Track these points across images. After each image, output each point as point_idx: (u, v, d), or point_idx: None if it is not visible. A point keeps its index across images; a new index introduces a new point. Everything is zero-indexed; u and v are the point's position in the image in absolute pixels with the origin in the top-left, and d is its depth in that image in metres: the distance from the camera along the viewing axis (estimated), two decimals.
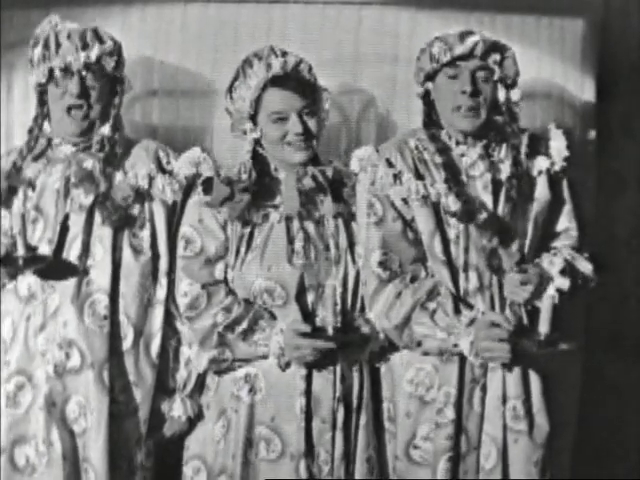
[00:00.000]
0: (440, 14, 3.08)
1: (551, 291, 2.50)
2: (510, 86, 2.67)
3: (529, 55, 3.09)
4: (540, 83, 3.12)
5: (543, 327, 2.45)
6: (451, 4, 3.09)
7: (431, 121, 2.73)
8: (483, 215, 2.60)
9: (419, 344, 2.61)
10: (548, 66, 3.14)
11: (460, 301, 2.61)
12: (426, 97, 2.73)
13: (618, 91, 3.24)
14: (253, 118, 2.66)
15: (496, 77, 2.64)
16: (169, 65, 3.06)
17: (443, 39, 2.64)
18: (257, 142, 2.70)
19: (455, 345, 2.58)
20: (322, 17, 3.07)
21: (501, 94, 2.65)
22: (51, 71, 2.62)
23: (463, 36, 2.63)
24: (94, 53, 2.62)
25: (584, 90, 3.16)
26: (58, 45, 2.61)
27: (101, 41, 2.64)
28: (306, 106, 2.63)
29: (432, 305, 2.60)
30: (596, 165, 3.20)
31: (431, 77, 2.68)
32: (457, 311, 2.60)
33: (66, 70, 2.61)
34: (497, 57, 2.63)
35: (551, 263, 2.63)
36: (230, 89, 2.69)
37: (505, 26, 3.11)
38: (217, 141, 3.03)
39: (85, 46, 2.61)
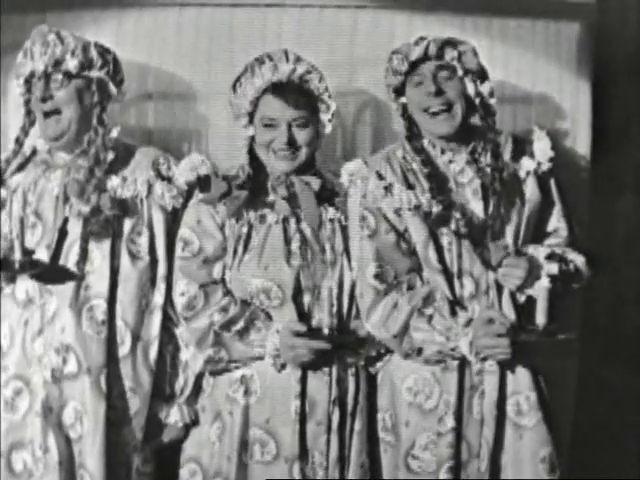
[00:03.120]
0: (435, 17, 3.08)
1: (545, 282, 2.50)
2: (479, 81, 2.68)
3: (525, 59, 3.11)
4: (536, 87, 3.12)
5: (540, 318, 2.46)
6: (446, 7, 3.09)
7: (413, 134, 2.74)
8: (457, 217, 2.61)
9: (419, 352, 2.61)
10: (544, 69, 3.13)
11: (456, 304, 2.62)
12: (405, 112, 2.75)
13: (614, 94, 3.24)
14: (251, 116, 2.69)
15: (460, 74, 2.65)
16: (164, 69, 3.05)
17: (398, 51, 2.69)
18: (253, 140, 2.72)
19: (454, 348, 2.58)
20: (318, 20, 3.07)
21: (470, 89, 2.67)
22: (26, 80, 2.66)
23: (417, 42, 2.66)
24: (54, 55, 2.61)
25: (580, 93, 3.15)
26: (32, 53, 2.63)
27: (62, 42, 2.64)
28: (299, 117, 2.64)
29: (429, 310, 2.60)
30: (592, 168, 3.19)
31: (400, 91, 2.72)
32: (453, 314, 2.60)
33: (33, 76, 2.63)
34: (454, 53, 2.65)
35: (536, 249, 2.64)
36: (236, 82, 2.70)
37: (501, 30, 3.11)
38: (212, 145, 3.03)
39: (46, 50, 2.62)
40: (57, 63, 2.63)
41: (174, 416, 2.70)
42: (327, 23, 3.07)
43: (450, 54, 2.65)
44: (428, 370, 2.64)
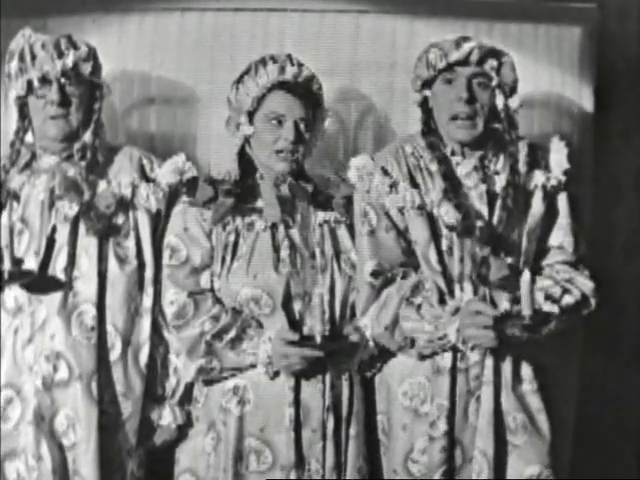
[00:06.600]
0: (437, 22, 3.09)
1: (526, 276, 2.41)
2: (509, 93, 2.65)
3: (526, 63, 3.07)
4: (538, 91, 3.12)
5: (525, 310, 2.42)
6: (448, 12, 3.09)
7: (429, 129, 2.71)
8: (479, 225, 2.59)
9: (412, 343, 2.60)
10: (546, 74, 3.13)
11: (447, 288, 2.60)
12: (424, 104, 2.71)
13: (616, 99, 3.23)
14: (250, 115, 2.68)
15: (494, 84, 2.62)
16: (166, 73, 3.06)
17: (439, 45, 2.63)
18: (247, 141, 2.71)
19: (443, 337, 2.55)
20: (319, 25, 3.08)
21: (499, 101, 2.63)
22: (29, 83, 2.62)
23: (459, 42, 2.62)
24: (70, 60, 2.61)
25: (582, 98, 3.16)
26: (33, 56, 2.61)
27: (75, 47, 2.64)
28: (305, 118, 2.64)
29: (417, 300, 2.59)
30: (594, 173, 3.19)
31: (428, 84, 2.67)
32: (442, 302, 2.58)
33: (44, 80, 2.61)
34: (494, 63, 2.62)
35: (541, 289, 2.57)
36: (238, 80, 2.69)
37: (502, 34, 3.10)
38: (214, 149, 3.02)
39: (60, 54, 2.61)
40: (73, 67, 2.62)
41: (166, 418, 2.70)
42: (328, 28, 3.07)
43: (490, 63, 2.61)
44: (423, 374, 2.62)
